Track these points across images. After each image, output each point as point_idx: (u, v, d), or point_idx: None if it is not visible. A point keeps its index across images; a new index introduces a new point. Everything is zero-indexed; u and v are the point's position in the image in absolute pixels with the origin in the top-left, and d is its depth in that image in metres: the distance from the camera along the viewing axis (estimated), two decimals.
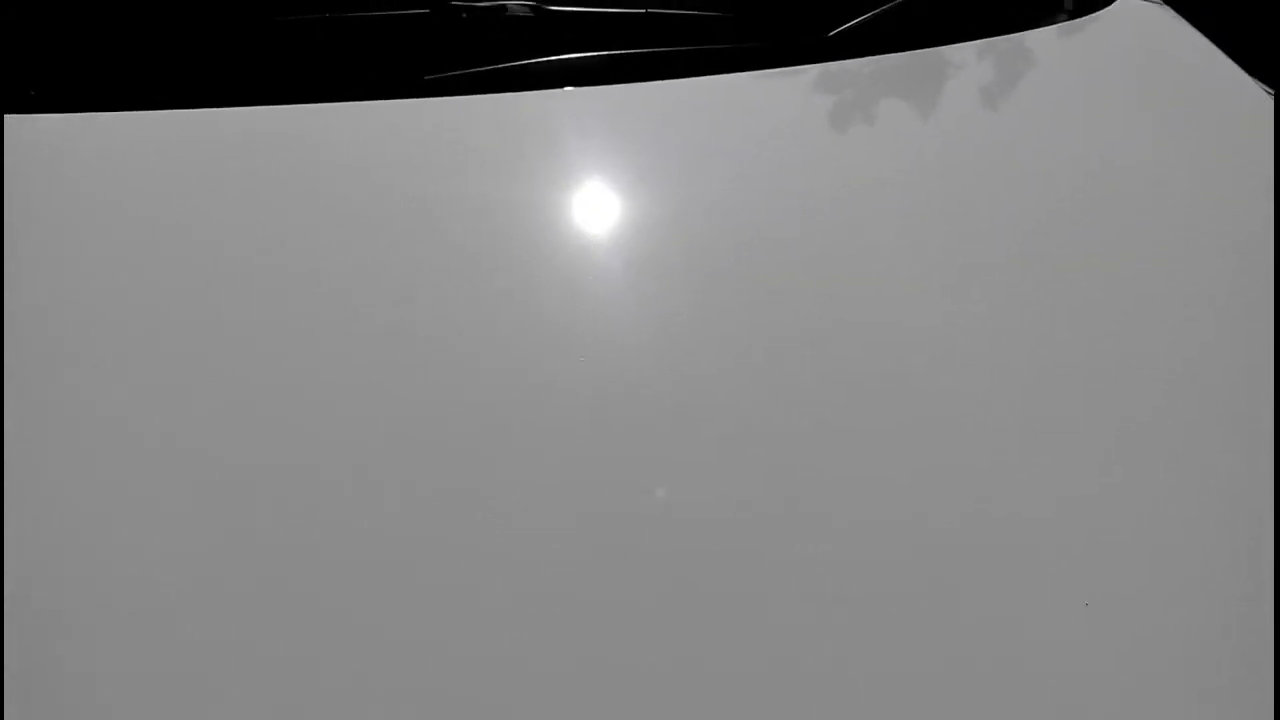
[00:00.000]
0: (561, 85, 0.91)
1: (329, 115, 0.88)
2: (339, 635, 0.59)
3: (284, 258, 0.79)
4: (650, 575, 0.63)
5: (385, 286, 0.78)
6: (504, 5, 0.93)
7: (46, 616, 0.60)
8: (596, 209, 0.86)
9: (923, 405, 0.73)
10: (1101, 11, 1.12)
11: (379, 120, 0.89)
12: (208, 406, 0.70)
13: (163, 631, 0.59)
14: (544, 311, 0.77)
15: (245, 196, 0.83)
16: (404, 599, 0.61)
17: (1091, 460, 0.71)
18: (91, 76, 0.92)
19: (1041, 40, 1.06)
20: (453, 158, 0.88)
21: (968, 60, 1.02)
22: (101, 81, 0.92)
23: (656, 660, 0.59)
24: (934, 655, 0.60)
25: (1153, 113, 1.04)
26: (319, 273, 0.78)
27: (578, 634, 0.60)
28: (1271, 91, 1.10)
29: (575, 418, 0.70)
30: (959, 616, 0.62)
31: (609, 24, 0.95)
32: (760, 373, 0.74)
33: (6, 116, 0.88)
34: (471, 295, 0.78)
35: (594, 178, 0.88)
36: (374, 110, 0.89)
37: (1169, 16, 1.20)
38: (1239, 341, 0.80)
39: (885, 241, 0.85)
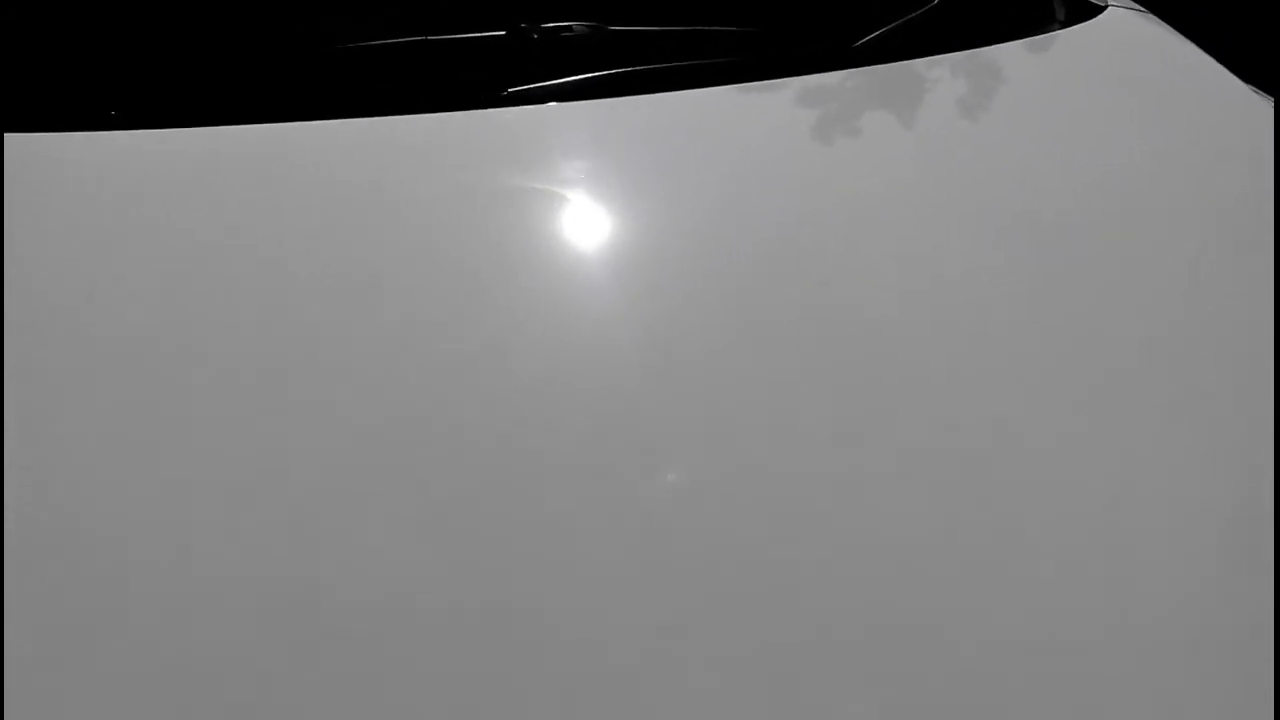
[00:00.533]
0: (621, 94, 1.03)
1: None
2: (340, 636, 0.60)
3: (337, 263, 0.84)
4: (653, 575, 0.64)
5: (396, 284, 0.82)
6: (569, 26, 1.07)
7: (47, 616, 0.61)
8: (625, 213, 0.93)
9: (925, 405, 0.75)
10: (1091, 21, 1.20)
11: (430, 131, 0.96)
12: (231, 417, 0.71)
13: (163, 633, 0.60)
14: (558, 318, 0.80)
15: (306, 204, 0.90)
16: (407, 600, 0.62)
17: (1092, 460, 0.72)
18: (172, 95, 1.00)
19: (1035, 48, 1.13)
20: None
21: (963, 69, 1.10)
22: (182, 100, 0.99)
23: (659, 659, 0.60)
24: (935, 655, 0.61)
25: (1150, 119, 1.09)
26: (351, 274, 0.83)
27: (578, 634, 0.61)
28: (1270, 98, 1.15)
29: (577, 417, 0.73)
30: (959, 617, 0.62)
31: (662, 40, 1.08)
32: (778, 377, 0.76)
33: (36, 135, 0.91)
34: (497, 297, 0.81)
35: (627, 182, 0.96)
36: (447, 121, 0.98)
37: (1158, 26, 1.27)
38: (1239, 347, 0.82)
39: (892, 244, 0.89)
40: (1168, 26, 1.29)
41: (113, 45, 1.03)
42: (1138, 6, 1.31)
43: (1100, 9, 1.24)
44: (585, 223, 0.92)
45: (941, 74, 1.10)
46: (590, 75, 1.04)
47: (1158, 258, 0.91)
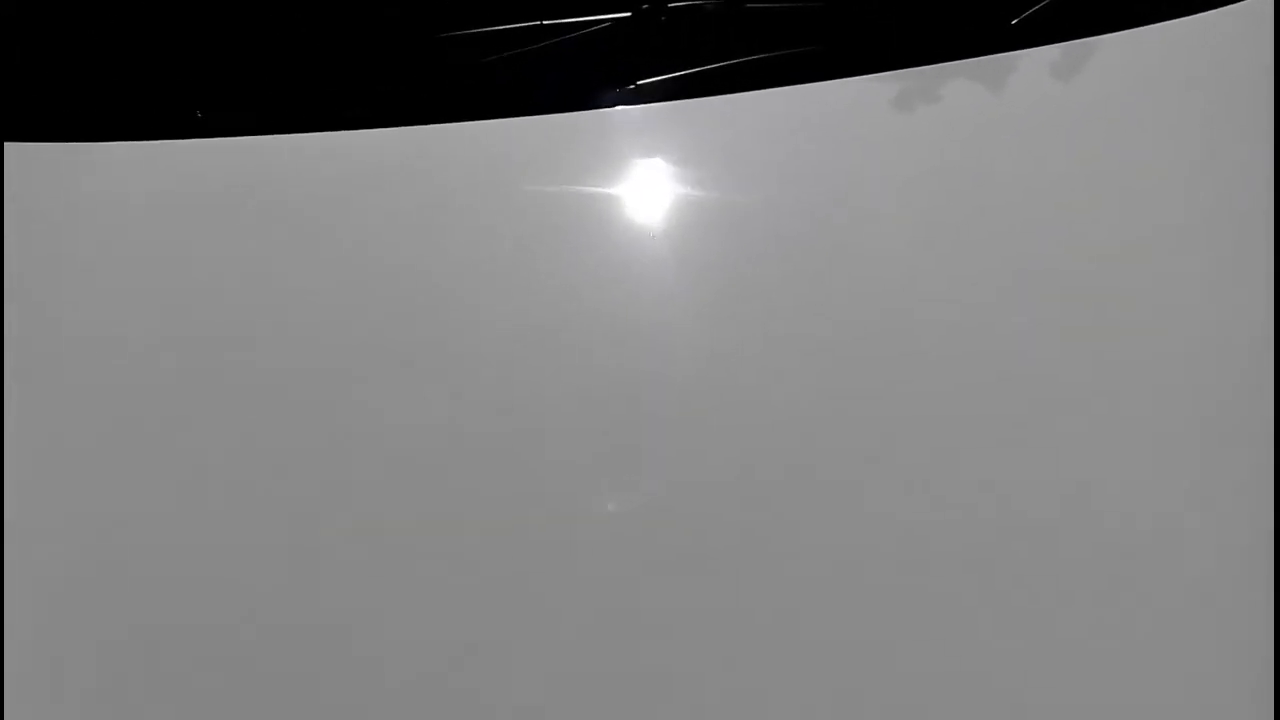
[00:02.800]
0: (765, 84, 0.92)
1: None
2: (342, 639, 0.62)
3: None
4: (658, 576, 0.65)
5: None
6: (701, 3, 0.93)
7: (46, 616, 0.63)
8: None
9: (929, 407, 0.74)
10: None
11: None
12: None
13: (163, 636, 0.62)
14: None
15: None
16: (412, 600, 0.64)
17: (1093, 461, 0.72)
18: (265, 98, 0.92)
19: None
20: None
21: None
22: (276, 103, 0.92)
23: (662, 660, 0.62)
24: (935, 656, 0.62)
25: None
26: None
27: (580, 636, 0.62)
28: None
29: (578, 418, 0.73)
30: (960, 618, 0.63)
31: (806, 19, 0.95)
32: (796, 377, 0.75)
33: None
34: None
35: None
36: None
37: None
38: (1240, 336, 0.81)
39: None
40: None
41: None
42: None
43: None
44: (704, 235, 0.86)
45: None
46: (727, 63, 0.92)
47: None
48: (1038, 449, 0.73)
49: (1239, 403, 0.76)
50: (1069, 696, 0.61)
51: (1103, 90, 0.99)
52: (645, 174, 0.88)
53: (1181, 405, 0.76)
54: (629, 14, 0.91)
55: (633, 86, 0.90)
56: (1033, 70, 0.98)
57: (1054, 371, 0.77)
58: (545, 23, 0.91)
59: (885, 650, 0.62)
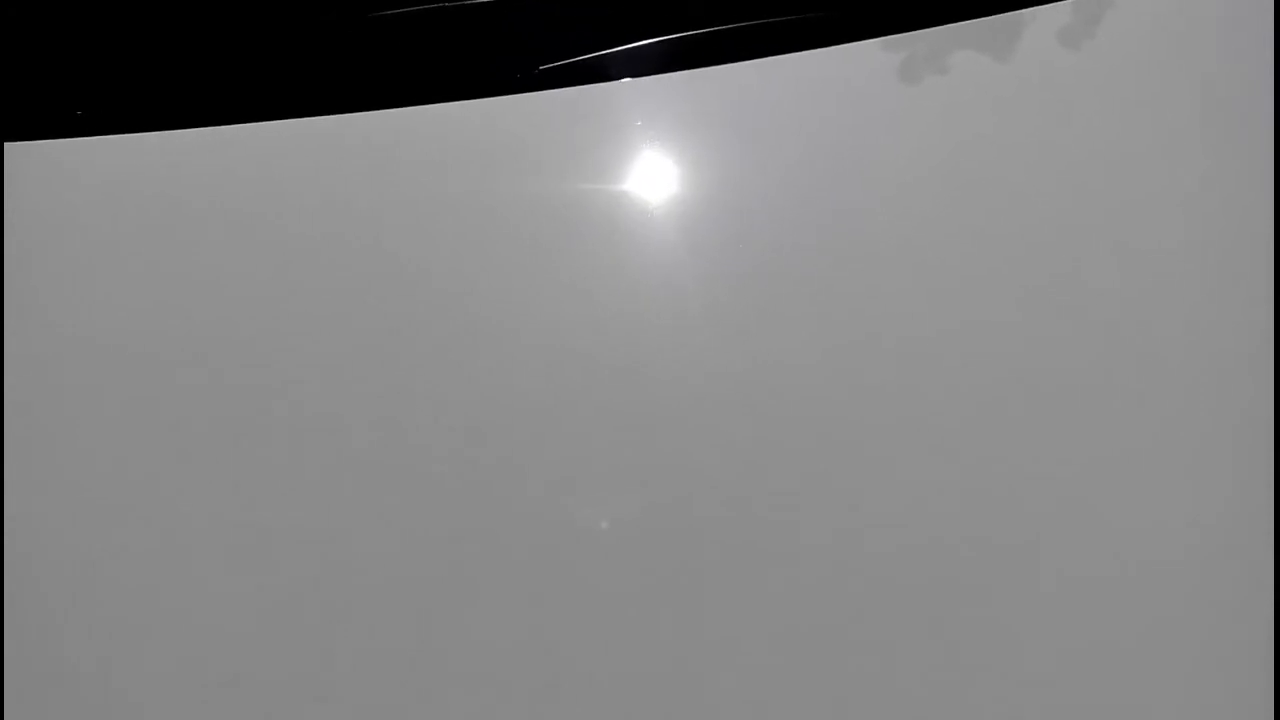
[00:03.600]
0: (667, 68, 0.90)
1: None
2: (343, 640, 0.62)
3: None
4: (657, 576, 0.64)
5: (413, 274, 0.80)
6: None
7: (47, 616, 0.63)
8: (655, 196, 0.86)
9: (929, 406, 0.74)
10: None
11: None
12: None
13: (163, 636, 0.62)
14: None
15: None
16: (411, 600, 0.63)
17: (1093, 461, 0.71)
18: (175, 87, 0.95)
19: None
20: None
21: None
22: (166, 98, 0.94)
23: (660, 661, 0.61)
24: (935, 656, 0.61)
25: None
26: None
27: (581, 637, 0.62)
28: None
29: (579, 418, 0.72)
30: (961, 619, 0.63)
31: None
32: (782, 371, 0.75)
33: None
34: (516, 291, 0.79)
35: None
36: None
37: None
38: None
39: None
40: None
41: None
42: None
43: None
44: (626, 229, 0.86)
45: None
46: (640, 44, 0.92)
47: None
48: (1040, 450, 0.72)
49: (1239, 402, 0.75)
50: (1069, 697, 0.60)
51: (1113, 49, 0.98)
52: (646, 150, 0.88)
53: (1181, 404, 0.75)
54: None
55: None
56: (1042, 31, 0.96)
57: (1053, 367, 0.76)
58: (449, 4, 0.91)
59: (885, 650, 0.62)
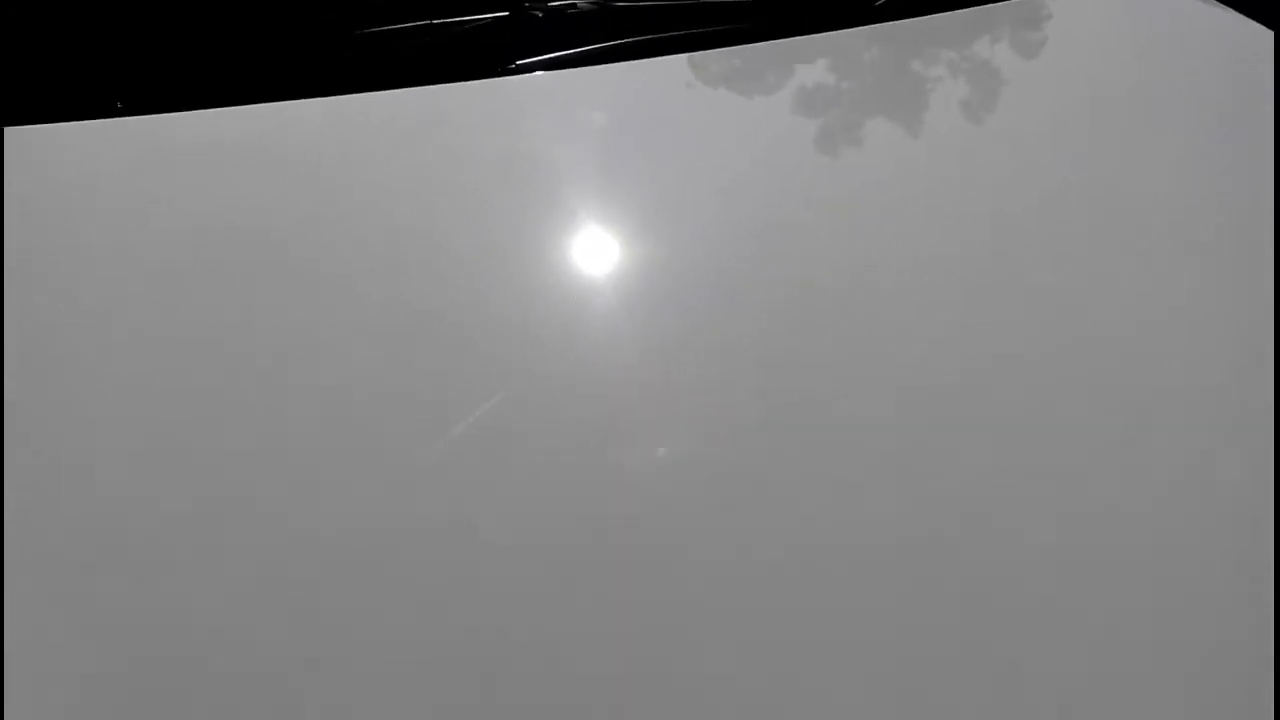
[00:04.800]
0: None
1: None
2: (343, 639, 0.60)
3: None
4: (656, 577, 0.64)
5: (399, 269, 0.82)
6: (574, 3, 1.05)
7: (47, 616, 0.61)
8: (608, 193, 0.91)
9: (929, 405, 0.74)
10: None
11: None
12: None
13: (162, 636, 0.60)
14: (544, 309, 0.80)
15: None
16: (410, 600, 0.62)
17: (1094, 461, 0.71)
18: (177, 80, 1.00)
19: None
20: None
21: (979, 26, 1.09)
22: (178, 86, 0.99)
23: (658, 663, 0.60)
24: (934, 657, 0.61)
25: (1148, 55, 1.08)
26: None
27: (581, 637, 0.61)
28: (1270, 30, 1.11)
29: (577, 417, 0.72)
30: (962, 620, 0.62)
31: (664, 14, 1.05)
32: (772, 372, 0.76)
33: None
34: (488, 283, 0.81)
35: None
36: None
37: None
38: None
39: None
40: None
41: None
42: None
43: None
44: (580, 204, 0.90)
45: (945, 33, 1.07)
46: (594, 47, 1.02)
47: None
48: (1040, 449, 0.72)
49: (1238, 401, 0.76)
50: (1069, 696, 0.59)
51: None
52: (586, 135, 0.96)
53: (1181, 404, 0.76)
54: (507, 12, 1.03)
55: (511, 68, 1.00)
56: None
57: (1052, 366, 0.77)
58: (435, 21, 1.03)
59: (884, 650, 0.61)
